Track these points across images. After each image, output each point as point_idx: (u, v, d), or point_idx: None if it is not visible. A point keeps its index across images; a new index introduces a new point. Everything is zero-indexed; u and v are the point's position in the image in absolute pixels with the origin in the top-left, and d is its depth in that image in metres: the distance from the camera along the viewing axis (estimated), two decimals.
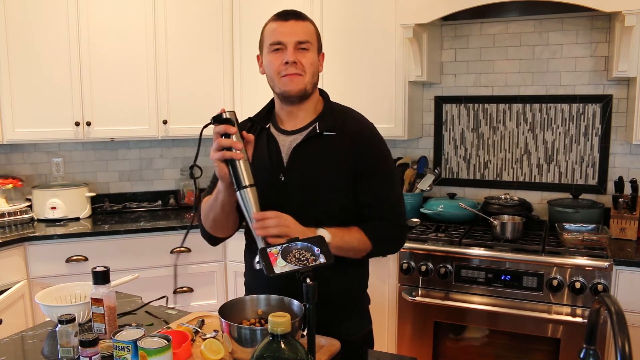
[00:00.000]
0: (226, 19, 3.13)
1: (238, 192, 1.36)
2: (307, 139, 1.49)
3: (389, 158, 1.58)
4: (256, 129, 1.57)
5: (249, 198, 1.36)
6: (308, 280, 1.15)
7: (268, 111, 1.60)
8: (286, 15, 1.47)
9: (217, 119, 1.36)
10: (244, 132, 1.40)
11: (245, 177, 1.35)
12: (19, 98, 2.87)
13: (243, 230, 1.56)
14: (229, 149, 1.34)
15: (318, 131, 1.49)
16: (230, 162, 1.35)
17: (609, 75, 2.70)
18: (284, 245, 1.21)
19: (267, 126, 1.56)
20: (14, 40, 2.82)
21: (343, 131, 1.50)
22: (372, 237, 1.49)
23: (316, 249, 1.22)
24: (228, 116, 1.36)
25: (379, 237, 1.51)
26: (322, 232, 1.39)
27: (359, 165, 1.49)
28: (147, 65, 3.03)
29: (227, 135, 1.35)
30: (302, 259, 1.20)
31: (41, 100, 2.90)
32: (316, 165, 1.49)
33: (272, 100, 1.59)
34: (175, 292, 2.90)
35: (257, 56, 1.56)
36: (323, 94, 1.59)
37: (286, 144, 1.52)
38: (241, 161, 1.35)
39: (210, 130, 1.37)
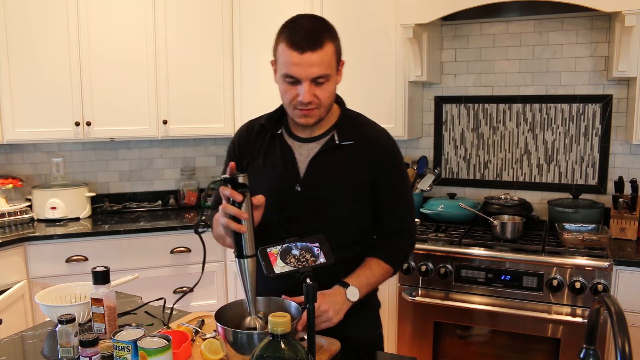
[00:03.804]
0: (226, 19, 3.12)
1: (237, 259, 1.30)
2: (325, 149, 1.46)
3: (404, 166, 1.58)
4: (267, 133, 1.52)
5: (246, 268, 1.29)
6: (308, 280, 1.15)
7: (280, 116, 1.53)
8: (301, 46, 1.32)
9: (228, 181, 1.26)
10: (254, 198, 1.30)
11: (247, 248, 1.29)
12: (19, 98, 2.87)
13: None
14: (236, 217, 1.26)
15: (337, 142, 1.46)
16: (234, 232, 1.28)
17: (609, 75, 2.70)
18: (284, 246, 1.21)
19: (279, 132, 1.51)
20: (14, 40, 2.82)
21: (361, 140, 1.47)
22: (391, 262, 1.51)
23: (316, 249, 1.22)
24: (241, 181, 1.26)
25: (397, 259, 1.54)
26: (352, 289, 1.38)
27: (378, 174, 1.48)
28: (147, 65, 3.03)
29: (234, 202, 1.26)
30: (302, 259, 1.20)
31: (41, 100, 2.90)
32: (335, 176, 1.45)
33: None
34: (175, 291, 2.91)
35: (272, 62, 1.44)
36: (339, 100, 1.54)
37: (303, 153, 1.47)
38: (246, 233, 1.28)
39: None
